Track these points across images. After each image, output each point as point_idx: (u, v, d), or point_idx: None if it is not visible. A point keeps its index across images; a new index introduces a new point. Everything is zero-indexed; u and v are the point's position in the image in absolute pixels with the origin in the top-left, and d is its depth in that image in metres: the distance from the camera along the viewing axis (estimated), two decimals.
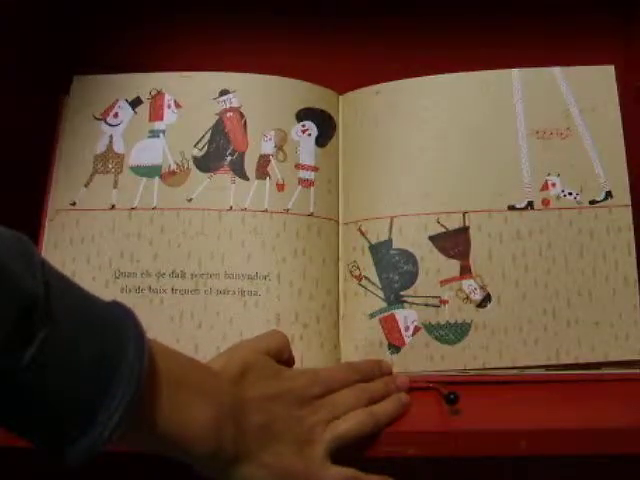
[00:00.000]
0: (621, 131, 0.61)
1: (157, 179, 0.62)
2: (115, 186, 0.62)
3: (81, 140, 0.63)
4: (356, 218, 0.62)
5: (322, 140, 0.64)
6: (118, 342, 0.39)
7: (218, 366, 0.47)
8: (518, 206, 0.60)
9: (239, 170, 0.62)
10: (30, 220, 0.59)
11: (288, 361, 0.53)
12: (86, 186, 0.62)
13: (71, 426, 0.37)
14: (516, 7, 0.71)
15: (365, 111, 0.64)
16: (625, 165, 0.61)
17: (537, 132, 0.61)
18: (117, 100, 0.64)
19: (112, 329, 0.39)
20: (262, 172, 0.62)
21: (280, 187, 0.62)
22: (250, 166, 0.62)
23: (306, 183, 0.62)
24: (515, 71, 0.63)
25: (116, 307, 0.41)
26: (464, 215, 0.60)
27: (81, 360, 0.37)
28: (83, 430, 0.37)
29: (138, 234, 0.60)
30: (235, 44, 0.67)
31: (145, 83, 0.64)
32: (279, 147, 0.63)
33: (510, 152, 0.61)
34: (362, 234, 0.61)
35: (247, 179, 0.61)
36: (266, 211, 0.61)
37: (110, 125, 0.63)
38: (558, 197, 0.60)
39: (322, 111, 0.65)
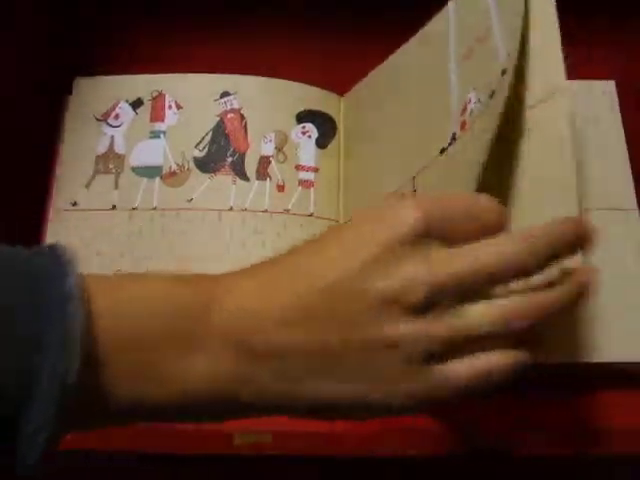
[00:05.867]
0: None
1: (158, 180, 0.62)
2: (116, 186, 0.62)
3: (82, 141, 0.63)
4: None
5: (322, 141, 0.64)
6: (34, 318, 0.26)
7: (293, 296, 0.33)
8: None
9: (240, 171, 0.62)
10: (31, 220, 0.60)
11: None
12: (87, 186, 0.62)
13: None
14: None
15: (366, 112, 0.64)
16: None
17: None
18: (118, 101, 0.64)
19: (28, 294, 0.26)
20: (262, 173, 0.62)
21: (280, 188, 0.62)
22: (250, 167, 0.62)
23: (306, 184, 0.62)
24: None
25: (40, 256, 0.28)
26: None
27: None
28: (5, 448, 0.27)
29: (138, 234, 0.60)
30: (235, 45, 0.68)
31: (146, 84, 0.64)
32: (279, 148, 0.63)
33: None
34: None
35: (247, 180, 0.62)
36: (266, 211, 0.61)
37: (111, 126, 0.63)
38: None
39: (322, 113, 0.65)
